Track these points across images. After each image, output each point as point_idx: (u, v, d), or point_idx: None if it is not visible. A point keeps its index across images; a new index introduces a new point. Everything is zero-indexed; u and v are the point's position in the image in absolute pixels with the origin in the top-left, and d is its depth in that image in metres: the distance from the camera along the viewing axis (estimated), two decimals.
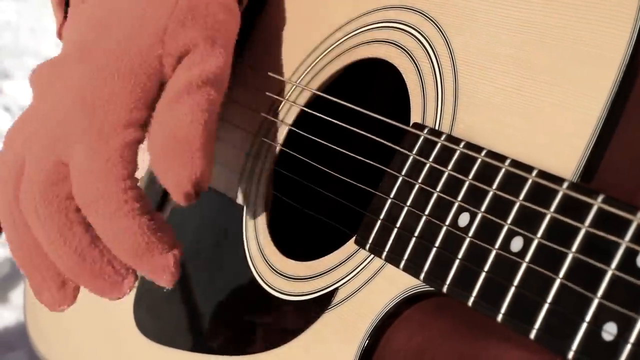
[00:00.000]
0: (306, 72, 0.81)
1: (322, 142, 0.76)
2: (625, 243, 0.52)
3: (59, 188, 0.69)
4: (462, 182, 0.62)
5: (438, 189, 0.63)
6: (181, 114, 0.69)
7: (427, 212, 0.64)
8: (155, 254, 0.68)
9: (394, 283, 0.65)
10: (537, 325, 0.55)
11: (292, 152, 0.79)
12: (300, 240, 0.78)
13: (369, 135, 0.71)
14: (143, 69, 0.71)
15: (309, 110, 0.79)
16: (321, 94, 0.78)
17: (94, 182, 0.68)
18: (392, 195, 0.67)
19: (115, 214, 0.67)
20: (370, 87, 0.81)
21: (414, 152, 0.66)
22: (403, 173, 0.66)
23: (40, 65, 0.76)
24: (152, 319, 0.85)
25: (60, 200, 0.69)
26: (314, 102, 0.80)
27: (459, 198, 0.62)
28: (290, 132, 0.80)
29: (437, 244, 0.62)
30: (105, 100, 0.70)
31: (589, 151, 0.57)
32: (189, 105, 0.69)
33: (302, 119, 0.80)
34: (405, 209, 0.65)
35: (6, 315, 1.43)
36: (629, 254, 0.52)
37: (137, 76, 0.71)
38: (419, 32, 0.71)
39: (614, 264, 0.52)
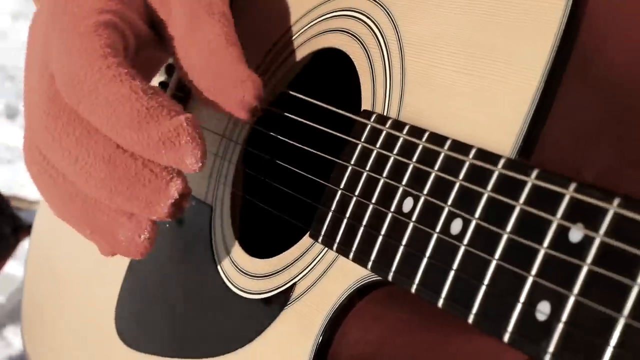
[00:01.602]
0: (268, 67, 0.80)
1: (282, 138, 0.75)
2: (557, 220, 0.50)
3: (60, 100, 0.66)
4: (407, 166, 0.61)
5: (384, 175, 0.62)
6: (213, 34, 0.68)
7: (373, 200, 0.62)
8: (160, 118, 0.62)
9: (346, 275, 0.63)
10: (474, 309, 0.53)
11: (254, 151, 0.78)
12: (266, 238, 0.77)
13: (320, 127, 0.70)
14: None
15: (269, 107, 0.78)
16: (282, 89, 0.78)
17: (74, 60, 0.64)
18: (341, 186, 0.65)
19: (100, 83, 0.63)
20: (330, 77, 0.80)
21: (362, 140, 0.65)
22: (352, 162, 0.65)
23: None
24: (131, 326, 0.84)
25: (66, 111, 0.66)
26: (277, 97, 0.79)
27: (403, 183, 0.60)
28: (252, 130, 0.79)
29: (382, 231, 0.61)
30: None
31: (527, 126, 0.55)
32: (216, 25, 0.68)
33: (264, 116, 0.79)
34: (354, 198, 0.64)
35: None
36: (561, 231, 0.50)
37: None
38: (371, 19, 0.70)
39: (546, 242, 0.51)
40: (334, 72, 0.78)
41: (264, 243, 0.75)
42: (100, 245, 0.70)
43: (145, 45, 0.73)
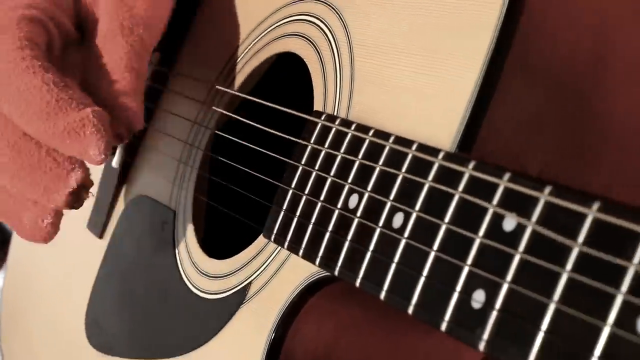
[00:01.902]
0: (228, 74, 0.81)
1: (241, 142, 0.76)
2: (492, 208, 0.51)
3: None
4: (353, 163, 0.61)
5: (332, 173, 0.63)
6: (117, 57, 0.69)
7: (322, 198, 0.63)
8: (69, 109, 0.63)
9: (297, 272, 0.64)
10: (414, 300, 0.54)
11: (214, 155, 0.79)
12: (227, 240, 0.78)
13: (272, 131, 0.71)
14: None
15: (228, 113, 0.79)
16: (239, 94, 0.78)
17: None
18: (293, 186, 0.66)
19: (13, 72, 0.64)
20: (289, 81, 0.81)
21: (312, 140, 0.66)
22: (302, 162, 0.66)
23: None
24: (100, 330, 0.85)
25: None
26: (235, 103, 0.80)
27: (349, 180, 0.61)
28: (213, 136, 0.80)
29: (330, 228, 0.61)
30: None
31: (467, 119, 0.56)
32: (122, 48, 0.70)
33: (224, 122, 0.80)
34: (304, 197, 0.65)
35: None
36: (496, 220, 0.51)
37: None
38: (323, 22, 0.71)
39: (481, 231, 0.51)
40: (293, 76, 0.79)
41: (225, 245, 0.76)
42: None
43: (70, 45, 0.74)
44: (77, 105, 0.64)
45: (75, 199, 0.66)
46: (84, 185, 0.66)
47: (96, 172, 0.90)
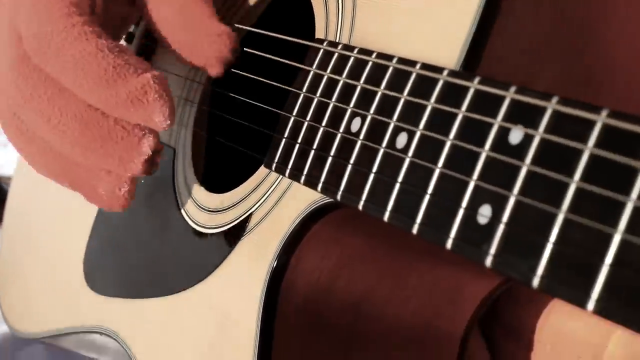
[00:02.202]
0: (229, 7, 0.79)
1: (243, 73, 0.74)
2: (497, 122, 0.50)
3: (28, 61, 0.66)
4: (355, 87, 0.60)
5: (334, 98, 0.61)
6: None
7: (324, 123, 0.62)
8: (128, 75, 0.62)
9: (298, 200, 0.63)
10: (419, 219, 0.53)
11: (216, 89, 0.78)
12: (228, 175, 0.76)
13: (274, 57, 0.69)
14: None
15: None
16: (239, 26, 0.77)
17: (39, 19, 0.64)
18: (294, 113, 0.65)
19: (66, 41, 0.63)
20: (290, 13, 0.79)
21: (313, 66, 0.64)
22: (304, 89, 0.64)
23: None
24: (98, 271, 0.84)
25: (36, 71, 0.66)
26: (239, 36, 0.78)
27: (352, 104, 0.60)
28: None
29: (332, 152, 0.60)
30: None
31: (470, 42, 0.55)
32: None
33: None
34: (306, 124, 0.63)
35: None
36: (502, 133, 0.50)
37: None
38: None
39: (487, 145, 0.50)
40: (296, 8, 0.77)
41: (226, 180, 0.74)
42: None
43: (113, 1, 0.73)
44: (135, 70, 0.62)
45: (151, 165, 0.65)
46: (157, 150, 0.64)
47: None
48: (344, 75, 0.61)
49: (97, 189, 0.67)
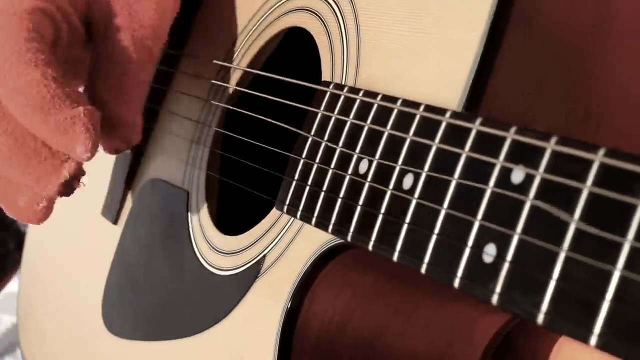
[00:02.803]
0: (237, 51, 0.81)
1: (253, 115, 0.76)
2: (499, 162, 0.51)
3: None
4: (362, 129, 0.61)
5: (342, 140, 0.63)
6: (125, 68, 0.72)
7: (332, 165, 0.63)
8: (62, 106, 0.65)
9: (311, 241, 0.64)
10: (427, 258, 0.54)
11: (226, 132, 0.80)
12: (241, 217, 0.78)
13: (281, 100, 0.71)
14: None
15: (239, 88, 0.79)
16: (248, 69, 0.79)
17: (1, 35, 0.66)
18: (303, 155, 0.66)
19: (15, 63, 0.65)
20: (297, 56, 0.81)
21: (321, 109, 0.66)
22: (312, 131, 0.66)
23: None
24: (117, 314, 0.85)
25: None
26: (246, 80, 0.80)
27: (359, 145, 0.61)
28: (224, 113, 0.80)
29: (341, 194, 0.61)
30: None
31: (472, 80, 0.56)
32: (130, 60, 0.72)
33: (236, 99, 0.80)
34: (315, 166, 0.65)
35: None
36: (504, 173, 0.51)
37: None
38: None
39: (490, 184, 0.51)
40: (303, 51, 0.79)
41: (240, 221, 0.76)
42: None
43: (76, 41, 0.75)
44: (70, 102, 0.65)
45: (67, 189, 0.68)
46: (76, 176, 0.67)
47: (109, 159, 0.90)
48: (351, 116, 0.63)
49: (17, 201, 0.70)
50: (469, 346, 0.70)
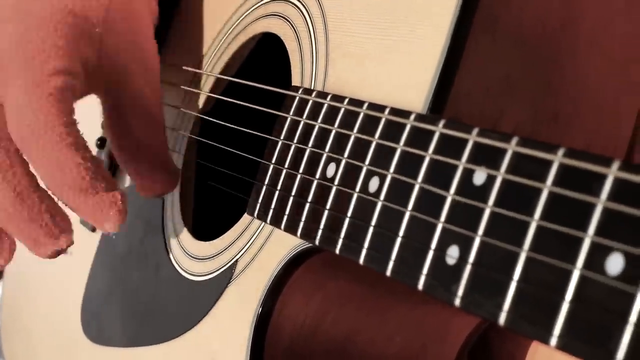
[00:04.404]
0: (212, 58, 0.81)
1: (225, 124, 0.76)
2: (462, 164, 0.51)
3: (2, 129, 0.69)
4: (329, 133, 0.61)
5: (310, 144, 0.63)
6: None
7: (301, 170, 0.63)
8: (100, 190, 0.67)
9: (281, 246, 0.64)
10: (392, 261, 0.54)
11: (200, 139, 0.80)
12: (214, 221, 0.78)
13: (251, 105, 0.71)
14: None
15: (212, 94, 0.79)
16: (221, 76, 0.79)
17: (34, 115, 0.67)
18: (273, 160, 0.66)
19: (57, 145, 0.66)
20: (268, 60, 0.81)
21: (290, 113, 0.66)
22: (282, 137, 0.66)
23: None
24: (95, 322, 0.85)
25: (2, 140, 0.69)
26: (221, 86, 0.80)
27: (327, 149, 0.61)
28: (199, 120, 0.81)
29: (309, 198, 0.61)
30: (40, 44, 0.69)
31: (437, 81, 0.56)
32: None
33: (209, 106, 0.80)
34: (284, 171, 0.65)
35: None
36: (467, 175, 0.51)
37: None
38: (299, 1, 0.71)
39: (453, 188, 0.51)
40: (276, 56, 0.79)
41: (214, 226, 0.76)
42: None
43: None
44: (106, 188, 0.67)
45: (57, 255, 0.69)
46: (69, 246, 0.69)
47: None
48: (319, 120, 0.63)
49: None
50: (443, 347, 0.70)
